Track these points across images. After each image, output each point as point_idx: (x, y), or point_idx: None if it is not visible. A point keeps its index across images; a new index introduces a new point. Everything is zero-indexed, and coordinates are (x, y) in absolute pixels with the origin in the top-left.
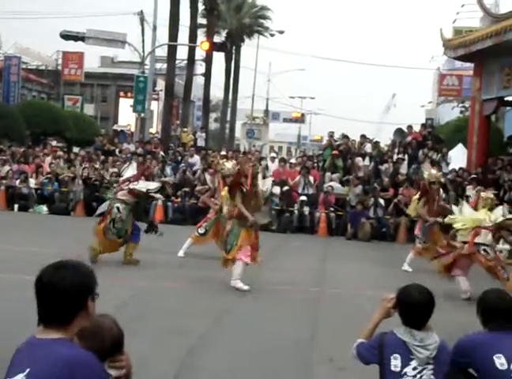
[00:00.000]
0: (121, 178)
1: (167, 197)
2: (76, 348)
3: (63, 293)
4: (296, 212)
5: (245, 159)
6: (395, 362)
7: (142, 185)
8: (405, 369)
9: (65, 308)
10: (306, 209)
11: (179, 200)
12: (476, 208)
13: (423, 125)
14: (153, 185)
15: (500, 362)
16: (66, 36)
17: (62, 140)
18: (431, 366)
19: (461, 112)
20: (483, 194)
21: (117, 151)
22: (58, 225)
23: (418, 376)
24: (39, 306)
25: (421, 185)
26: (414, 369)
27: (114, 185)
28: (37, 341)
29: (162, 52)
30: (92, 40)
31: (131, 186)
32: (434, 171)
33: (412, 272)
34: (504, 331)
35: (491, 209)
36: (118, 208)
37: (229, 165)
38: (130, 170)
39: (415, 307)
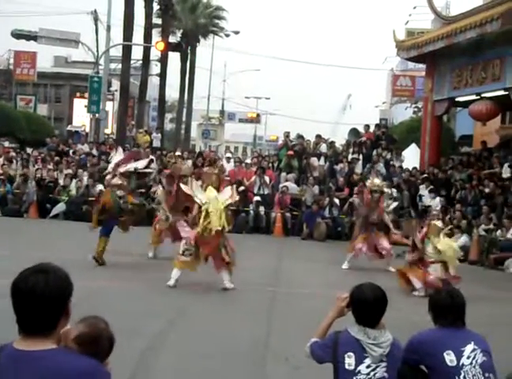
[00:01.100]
0: (110, 165)
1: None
2: (83, 358)
3: (47, 299)
4: (252, 212)
5: (209, 173)
6: (349, 361)
7: (130, 166)
8: (359, 367)
9: (50, 314)
10: (262, 209)
11: None
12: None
13: (377, 126)
14: (141, 163)
15: (450, 358)
16: (18, 35)
17: (14, 141)
18: (384, 364)
19: (414, 112)
20: (432, 223)
21: (71, 152)
22: (10, 227)
23: (371, 373)
24: (19, 314)
25: (358, 187)
26: (368, 366)
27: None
28: (24, 353)
29: (117, 52)
30: (44, 39)
31: (121, 170)
32: (377, 180)
33: (368, 271)
34: (454, 328)
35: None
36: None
37: (187, 165)
38: (118, 156)
39: (368, 305)
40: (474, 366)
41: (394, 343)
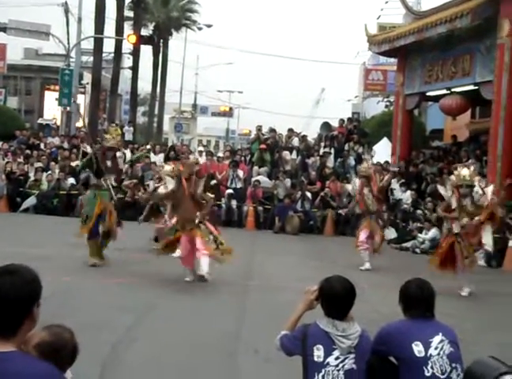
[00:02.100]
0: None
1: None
2: (42, 363)
3: (11, 301)
4: (224, 205)
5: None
6: (318, 353)
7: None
8: (328, 359)
9: (12, 317)
10: (234, 203)
11: None
12: None
13: (349, 119)
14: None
15: (418, 349)
16: None
17: None
18: (352, 355)
19: (386, 106)
20: None
21: (42, 145)
22: None
23: (340, 365)
24: None
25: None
26: (336, 358)
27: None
28: None
29: (88, 45)
30: (14, 31)
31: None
32: (365, 164)
33: (340, 265)
34: (422, 319)
35: None
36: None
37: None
38: None
39: (336, 298)
40: (441, 357)
41: (363, 334)
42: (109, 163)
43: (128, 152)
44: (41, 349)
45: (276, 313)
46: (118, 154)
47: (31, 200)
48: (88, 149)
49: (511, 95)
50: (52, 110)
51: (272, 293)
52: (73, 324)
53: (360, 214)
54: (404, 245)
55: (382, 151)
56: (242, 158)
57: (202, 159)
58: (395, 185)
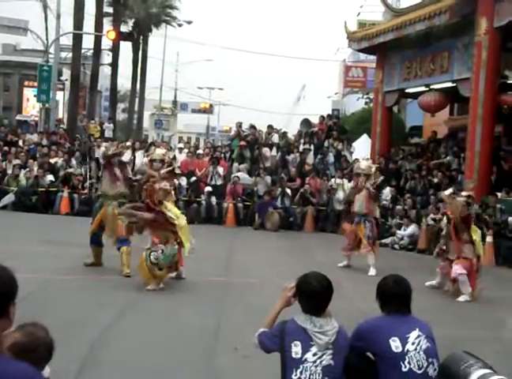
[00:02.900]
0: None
1: (72, 188)
2: (20, 363)
3: None
4: (204, 202)
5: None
6: (296, 349)
7: None
8: (305, 356)
9: None
10: (214, 200)
11: (86, 191)
12: None
13: (329, 116)
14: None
15: (395, 344)
16: None
17: None
18: (330, 351)
19: (366, 103)
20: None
21: (20, 142)
22: None
23: (318, 361)
24: None
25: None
26: (314, 354)
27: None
28: None
29: (67, 41)
30: None
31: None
32: (363, 162)
33: (319, 262)
34: (399, 315)
35: None
36: None
37: (159, 151)
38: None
39: (313, 295)
40: (418, 352)
41: (340, 330)
42: (118, 171)
43: (140, 154)
44: (15, 350)
45: (255, 310)
46: (126, 159)
47: (9, 198)
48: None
49: (488, 92)
50: (31, 107)
51: (252, 290)
52: (52, 322)
53: (341, 211)
54: (383, 241)
55: (362, 147)
56: (222, 155)
57: (182, 157)
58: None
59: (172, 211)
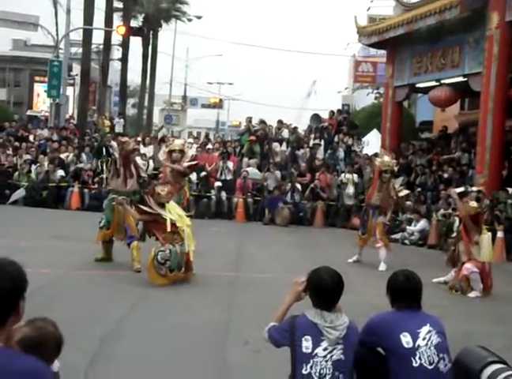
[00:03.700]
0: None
1: (83, 183)
2: (30, 358)
3: None
4: (214, 197)
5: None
6: (306, 344)
7: None
8: (316, 350)
9: None
10: (224, 195)
11: (96, 186)
12: None
13: (339, 111)
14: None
15: (406, 340)
16: None
17: None
18: (340, 346)
19: (376, 98)
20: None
21: (31, 137)
22: None
23: (328, 356)
24: None
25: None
26: (325, 349)
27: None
28: None
29: (77, 36)
30: (2, 22)
31: None
32: (387, 158)
33: (330, 257)
34: (410, 310)
35: None
36: None
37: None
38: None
39: (324, 289)
40: (429, 347)
41: (350, 325)
42: (133, 169)
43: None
44: (24, 344)
45: (265, 305)
46: (142, 162)
47: (20, 193)
48: (115, 153)
49: (500, 86)
50: (41, 102)
51: (262, 284)
52: (63, 317)
53: (352, 206)
54: (394, 236)
55: (372, 142)
56: (232, 149)
57: (192, 151)
58: None
59: (173, 212)
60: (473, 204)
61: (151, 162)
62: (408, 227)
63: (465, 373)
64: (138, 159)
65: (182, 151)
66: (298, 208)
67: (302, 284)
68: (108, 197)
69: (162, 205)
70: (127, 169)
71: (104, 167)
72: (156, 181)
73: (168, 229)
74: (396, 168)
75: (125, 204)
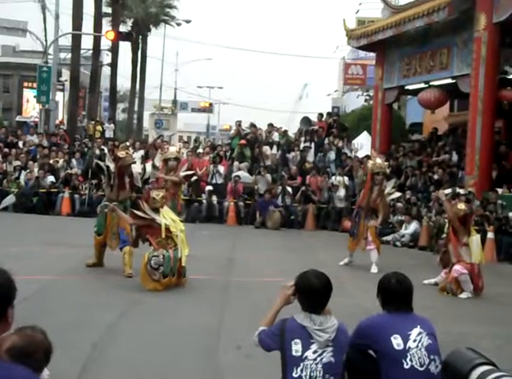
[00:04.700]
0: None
1: (73, 188)
2: (19, 368)
3: None
4: (205, 201)
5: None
6: (296, 347)
7: None
8: (306, 353)
9: None
10: (215, 199)
11: (86, 192)
12: None
13: (329, 114)
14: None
15: (397, 342)
16: None
17: None
18: (330, 349)
19: (366, 100)
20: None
21: (20, 143)
22: None
23: (318, 359)
24: None
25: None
26: (314, 352)
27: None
28: None
29: (66, 41)
30: None
31: None
32: (379, 160)
33: (321, 260)
34: (401, 312)
35: None
36: None
37: (172, 149)
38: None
39: (312, 292)
40: (420, 349)
41: (340, 328)
42: (127, 180)
43: (148, 166)
44: (13, 353)
45: (257, 309)
46: (138, 171)
47: (10, 199)
48: (110, 165)
49: (488, 88)
50: (31, 108)
51: (254, 288)
52: (54, 323)
53: (343, 209)
54: (385, 238)
55: (362, 145)
56: (223, 153)
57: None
58: None
59: (167, 217)
60: (461, 205)
61: (148, 165)
62: (400, 231)
63: (454, 375)
64: (134, 166)
65: (177, 159)
66: (289, 211)
67: (290, 288)
68: (101, 203)
69: (156, 210)
70: (121, 181)
71: (103, 178)
72: (147, 186)
73: (163, 235)
74: (388, 170)
75: (117, 209)
